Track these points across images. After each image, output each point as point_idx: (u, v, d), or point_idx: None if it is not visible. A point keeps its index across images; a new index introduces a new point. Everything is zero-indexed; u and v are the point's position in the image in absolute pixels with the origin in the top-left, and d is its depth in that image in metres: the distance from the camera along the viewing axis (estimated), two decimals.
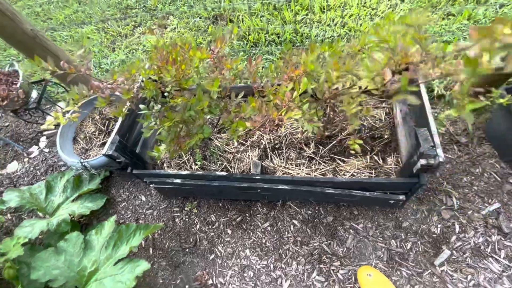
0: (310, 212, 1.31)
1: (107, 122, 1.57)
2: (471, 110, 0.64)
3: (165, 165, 1.40)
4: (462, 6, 1.72)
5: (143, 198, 1.54)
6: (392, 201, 1.09)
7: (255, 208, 1.38)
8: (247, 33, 1.97)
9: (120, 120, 1.20)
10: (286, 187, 1.15)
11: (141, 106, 1.05)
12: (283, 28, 1.92)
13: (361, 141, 0.93)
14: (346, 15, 1.88)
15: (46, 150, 1.85)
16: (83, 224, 1.52)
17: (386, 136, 1.25)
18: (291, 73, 0.97)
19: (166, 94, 1.03)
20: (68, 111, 1.39)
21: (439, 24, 1.69)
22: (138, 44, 2.20)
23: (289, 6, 2.07)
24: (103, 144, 1.51)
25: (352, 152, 1.27)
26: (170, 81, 0.89)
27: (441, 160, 0.83)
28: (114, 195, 1.57)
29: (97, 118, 1.58)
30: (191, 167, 1.38)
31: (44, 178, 1.73)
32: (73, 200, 1.47)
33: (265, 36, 1.92)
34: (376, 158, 1.22)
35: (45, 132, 1.93)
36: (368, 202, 1.23)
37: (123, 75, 0.89)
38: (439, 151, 0.84)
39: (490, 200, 1.18)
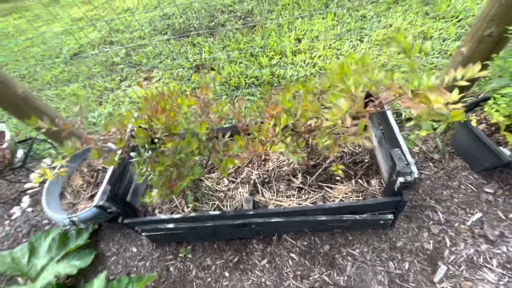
0: (306, 243, 1.31)
1: (95, 174, 1.57)
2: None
3: (156, 211, 1.39)
4: (412, 41, 1.98)
5: (134, 249, 1.48)
6: (382, 221, 1.13)
7: (251, 246, 1.36)
8: (228, 78, 2.14)
9: (110, 170, 1.22)
10: (280, 219, 1.16)
11: (132, 153, 1.09)
12: (261, 71, 2.11)
13: (342, 166, 1.00)
14: (314, 56, 2.11)
15: (29, 209, 1.78)
16: (69, 287, 1.42)
17: (366, 160, 1.34)
18: (272, 111, 1.07)
19: (156, 140, 1.08)
20: (56, 166, 1.40)
21: (396, 57, 1.93)
22: (125, 96, 2.30)
23: (264, 52, 2.30)
24: (92, 196, 1.49)
25: (338, 178, 1.35)
26: (161, 128, 0.95)
27: (416, 176, 0.90)
28: (103, 249, 1.50)
29: (85, 171, 1.58)
30: (183, 210, 1.37)
31: (26, 239, 1.64)
32: (58, 260, 1.39)
33: (245, 80, 2.09)
34: (360, 181, 1.28)
35: (29, 191, 1.87)
36: (360, 226, 1.26)
37: (116, 126, 0.94)
38: (413, 168, 0.92)
39: (471, 211, 1.25)
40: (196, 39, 2.70)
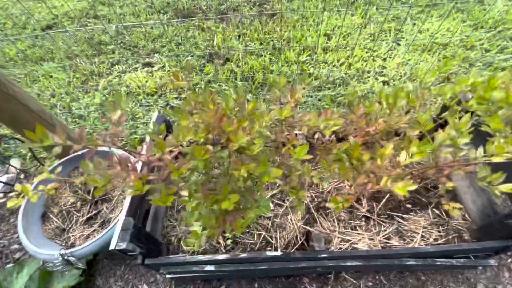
0: (370, 283, 1.09)
1: (93, 188, 1.18)
2: None
3: (182, 242, 1.06)
4: (455, 49, 1.84)
5: None
6: (480, 267, 0.94)
7: (302, 287, 1.11)
8: (251, 73, 1.83)
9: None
10: (357, 263, 0.92)
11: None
12: (289, 67, 1.83)
13: (460, 205, 0.79)
14: (349, 56, 1.88)
15: None
16: None
17: (440, 186, 1.14)
18: (368, 128, 0.81)
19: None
20: (29, 171, 1.02)
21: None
22: (120, 84, 1.88)
23: (289, 46, 2.01)
24: (89, 219, 1.11)
25: (409, 206, 1.14)
26: (232, 148, 0.65)
27: None
28: None
29: (77, 183, 1.18)
30: (218, 242, 1.07)
31: None
32: None
33: (272, 76, 1.79)
34: (437, 212, 1.08)
35: None
36: (448, 269, 1.06)
37: (172, 141, 0.61)
38: None
39: None
40: (205, 23, 2.32)
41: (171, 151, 0.62)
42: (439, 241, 1.01)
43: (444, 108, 1.09)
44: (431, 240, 1.01)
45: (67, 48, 2.22)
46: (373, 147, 0.92)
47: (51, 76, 1.99)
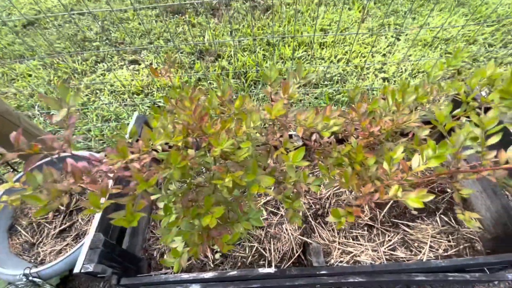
0: None
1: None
2: None
3: (165, 256, 0.96)
4: (458, 44, 1.76)
5: None
6: (496, 282, 0.85)
7: None
8: (243, 70, 1.72)
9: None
10: (360, 279, 0.82)
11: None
12: (284, 65, 1.73)
13: (478, 215, 0.69)
14: (347, 52, 1.78)
15: None
16: None
17: (448, 190, 1.05)
18: (373, 128, 0.71)
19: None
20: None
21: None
22: (104, 83, 1.76)
23: (284, 41, 1.91)
24: (62, 232, 1.00)
25: (414, 213, 1.05)
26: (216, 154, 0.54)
27: None
28: None
29: None
30: (206, 256, 0.96)
31: None
32: None
33: None
34: (446, 219, 0.99)
35: None
36: (457, 283, 0.97)
37: (138, 147, 0.51)
38: None
39: None
40: (195, 18, 2.21)
41: (140, 158, 0.51)
42: (449, 252, 0.92)
43: (456, 104, 1.00)
44: (440, 251, 0.92)
45: (49, 45, 2.09)
46: (376, 149, 0.83)
47: (30, 75, 1.86)
